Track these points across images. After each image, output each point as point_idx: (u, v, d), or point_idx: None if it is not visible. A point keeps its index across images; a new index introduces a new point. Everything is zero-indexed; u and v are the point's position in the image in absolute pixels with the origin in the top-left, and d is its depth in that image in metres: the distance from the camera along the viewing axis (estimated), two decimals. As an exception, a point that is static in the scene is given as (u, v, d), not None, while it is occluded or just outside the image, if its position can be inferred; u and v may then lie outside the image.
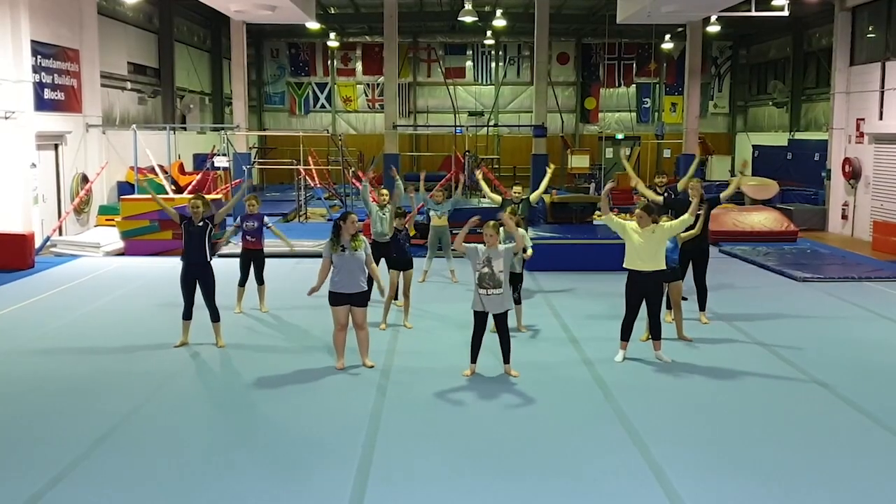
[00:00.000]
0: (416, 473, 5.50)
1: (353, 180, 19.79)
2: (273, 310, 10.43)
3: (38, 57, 15.43)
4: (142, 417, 6.61)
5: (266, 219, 10.42)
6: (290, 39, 31.87)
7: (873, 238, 16.78)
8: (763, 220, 17.47)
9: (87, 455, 5.78)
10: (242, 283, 10.29)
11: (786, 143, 26.09)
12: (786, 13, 18.03)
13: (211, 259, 8.65)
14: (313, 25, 21.65)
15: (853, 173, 18.54)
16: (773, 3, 18.00)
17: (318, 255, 14.57)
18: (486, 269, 7.44)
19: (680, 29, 23.97)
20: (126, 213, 15.20)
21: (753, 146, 28.53)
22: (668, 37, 27.16)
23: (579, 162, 28.24)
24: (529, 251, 9.00)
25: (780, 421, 6.56)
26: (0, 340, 8.94)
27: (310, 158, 21.54)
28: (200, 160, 23.01)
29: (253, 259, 10.28)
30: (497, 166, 29.30)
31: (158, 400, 7.05)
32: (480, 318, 7.62)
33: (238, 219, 10.57)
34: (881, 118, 17.71)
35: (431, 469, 5.57)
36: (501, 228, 8.16)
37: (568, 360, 8.26)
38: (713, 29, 22.20)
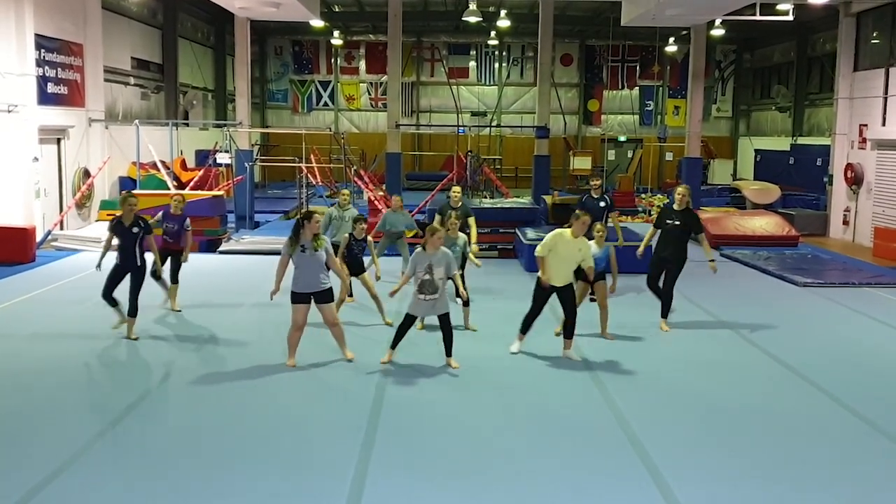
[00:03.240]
0: (414, 472, 5.50)
1: (356, 180, 19.78)
2: (270, 305, 10.40)
3: (42, 51, 15.42)
4: (142, 412, 6.62)
5: (187, 222, 10.30)
6: (294, 37, 31.88)
7: (874, 244, 16.77)
8: (764, 224, 17.46)
9: (87, 449, 5.78)
10: (172, 279, 10.20)
11: (788, 148, 26.09)
12: (790, 18, 18.01)
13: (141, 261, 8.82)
14: (317, 23, 21.63)
15: (855, 179, 18.53)
16: (778, 7, 17.99)
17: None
18: (426, 276, 7.65)
19: (684, 32, 23.95)
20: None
21: (756, 150, 28.54)
22: (671, 40, 27.15)
23: (581, 163, 28.24)
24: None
25: (778, 425, 6.56)
26: (0, 334, 8.94)
27: (312, 156, 21.53)
28: (203, 156, 23.02)
29: (172, 258, 10.19)
30: (499, 167, 29.30)
31: (158, 395, 7.06)
32: (410, 319, 7.92)
33: (161, 214, 10.37)
34: (884, 124, 17.70)
35: (429, 468, 5.57)
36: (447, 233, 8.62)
37: (567, 362, 8.25)
38: (717, 32, 22.17)
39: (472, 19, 19.77)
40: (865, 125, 18.37)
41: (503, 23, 23.59)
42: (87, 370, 7.72)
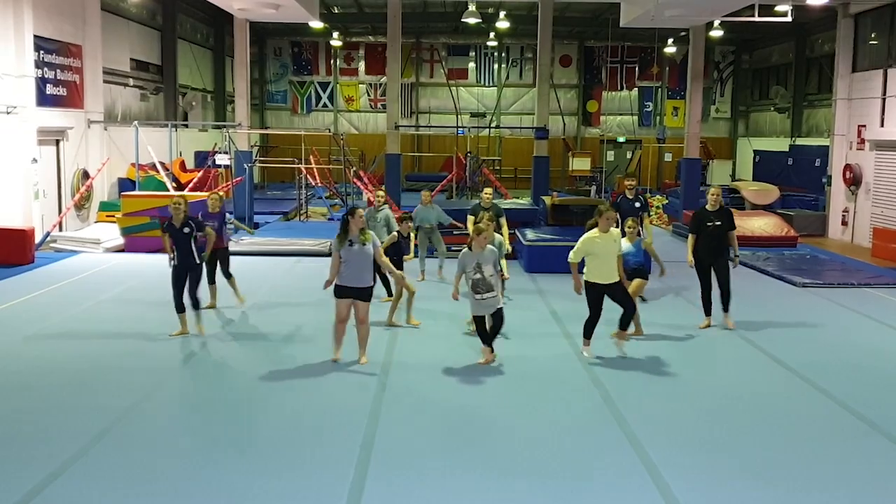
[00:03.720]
0: (414, 470, 5.50)
1: (356, 181, 19.78)
2: (270, 306, 10.44)
3: (41, 52, 15.43)
4: (141, 413, 6.62)
5: (227, 216, 10.45)
6: (294, 38, 31.89)
7: (873, 245, 16.79)
8: (763, 225, 17.47)
9: (86, 451, 5.78)
10: (211, 280, 10.30)
11: (787, 149, 26.11)
12: (789, 19, 18.01)
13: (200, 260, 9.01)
14: (316, 24, 21.63)
15: (854, 180, 18.55)
16: (777, 8, 18.00)
17: (318, 254, 14.68)
18: (477, 275, 7.71)
19: (683, 33, 23.96)
20: (126, 209, 15.19)
21: (755, 151, 28.56)
22: (670, 41, 27.17)
23: (580, 164, 28.27)
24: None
25: (777, 425, 6.56)
26: (0, 335, 8.94)
27: (311, 157, 21.55)
28: (202, 158, 23.02)
29: (218, 255, 10.23)
30: (498, 168, 29.33)
31: (158, 396, 7.06)
32: (480, 319, 7.94)
33: (200, 215, 10.45)
34: (882, 125, 17.72)
35: (429, 467, 5.57)
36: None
37: (566, 362, 8.26)
38: (716, 33, 22.21)
39: (472, 20, 19.81)
40: (864, 126, 18.39)
41: (502, 24, 23.61)
42: (86, 371, 7.71)
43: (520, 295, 11.49)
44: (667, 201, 22.24)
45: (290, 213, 20.93)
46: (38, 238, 14.60)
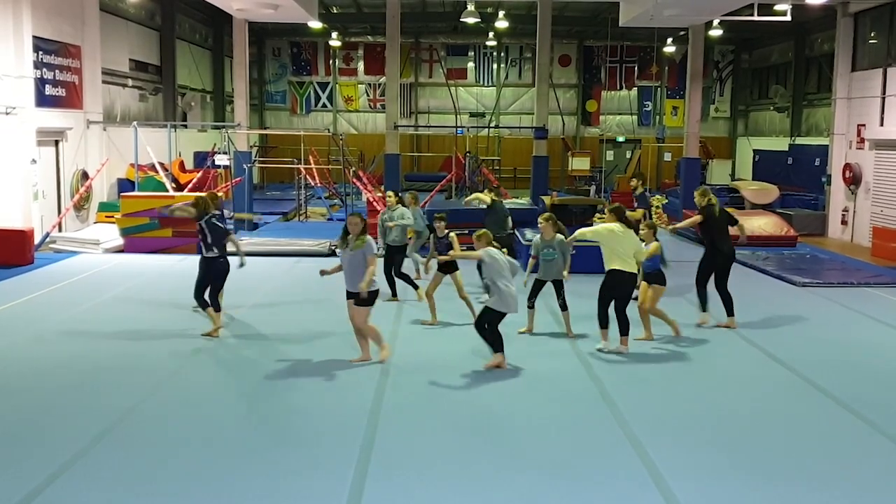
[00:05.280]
0: (414, 470, 5.50)
1: (355, 181, 19.78)
2: (270, 306, 10.43)
3: (40, 53, 15.41)
4: (141, 414, 6.61)
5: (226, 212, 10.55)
6: (292, 38, 31.87)
7: (873, 244, 16.78)
8: (763, 224, 17.46)
9: (86, 452, 5.77)
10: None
11: (786, 148, 26.10)
12: (788, 18, 18.02)
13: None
14: (315, 25, 21.62)
15: (853, 179, 18.54)
16: (776, 7, 18.00)
17: (317, 255, 14.68)
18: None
19: (682, 32, 23.96)
20: (126, 210, 15.18)
21: (754, 150, 28.55)
22: (669, 40, 27.16)
23: (580, 164, 28.25)
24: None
25: (778, 424, 6.56)
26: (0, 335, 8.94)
27: (310, 158, 21.53)
28: (201, 158, 22.99)
29: None
30: (498, 168, 29.30)
31: (158, 396, 7.05)
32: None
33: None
34: (882, 124, 17.71)
35: (429, 466, 5.57)
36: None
37: (566, 361, 8.25)
38: (715, 33, 22.19)
39: (471, 20, 19.80)
40: (863, 125, 18.38)
41: (501, 24, 23.61)
42: (86, 371, 7.70)
43: (520, 295, 11.45)
44: (666, 201, 22.22)
45: (290, 214, 20.92)
46: (37, 239, 14.58)
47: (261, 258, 14.20)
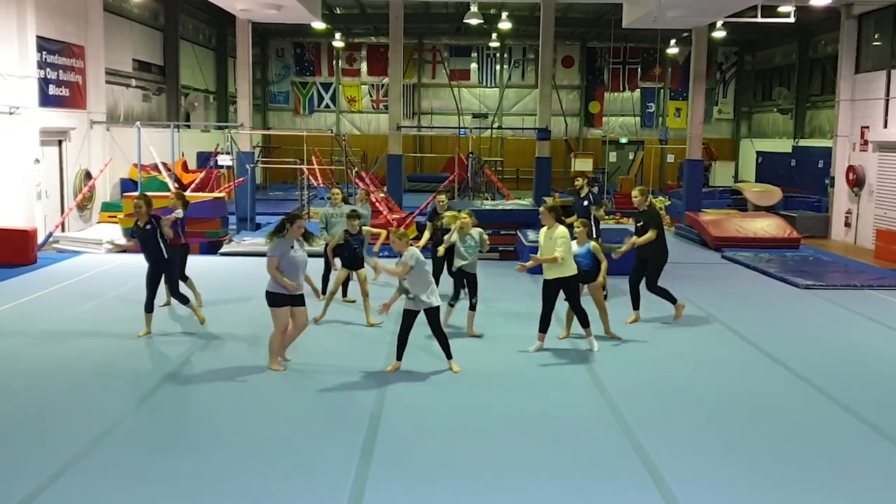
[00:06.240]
0: (414, 474, 5.49)
1: (358, 181, 19.78)
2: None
3: (44, 53, 15.44)
4: (143, 414, 6.62)
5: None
6: (296, 39, 31.91)
7: (876, 246, 16.75)
8: (766, 226, 17.44)
9: (88, 452, 5.77)
10: (182, 277, 10.25)
11: (790, 150, 26.07)
12: (792, 20, 17.98)
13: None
14: (319, 25, 21.64)
15: (857, 181, 18.51)
16: (780, 9, 17.98)
17: (317, 255, 14.61)
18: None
19: (685, 34, 23.96)
20: (129, 210, 15.17)
21: (757, 152, 28.52)
22: (673, 42, 27.15)
23: (583, 165, 28.19)
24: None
25: (780, 427, 6.55)
26: (2, 336, 8.95)
27: (313, 158, 21.54)
28: (204, 158, 23.04)
29: (179, 254, 10.02)
30: (500, 169, 29.28)
31: (159, 397, 7.05)
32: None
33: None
34: (886, 126, 17.68)
35: (429, 470, 5.57)
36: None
37: (566, 362, 8.25)
38: (719, 34, 22.16)
39: (474, 21, 19.77)
40: (867, 127, 18.36)
41: (504, 25, 23.60)
42: (88, 372, 7.71)
43: (520, 295, 11.48)
44: (669, 203, 22.21)
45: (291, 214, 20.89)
46: (40, 238, 14.61)
47: (261, 258, 14.18)
